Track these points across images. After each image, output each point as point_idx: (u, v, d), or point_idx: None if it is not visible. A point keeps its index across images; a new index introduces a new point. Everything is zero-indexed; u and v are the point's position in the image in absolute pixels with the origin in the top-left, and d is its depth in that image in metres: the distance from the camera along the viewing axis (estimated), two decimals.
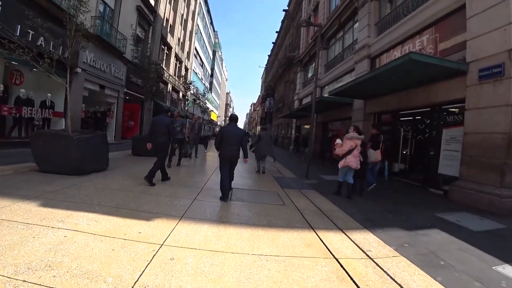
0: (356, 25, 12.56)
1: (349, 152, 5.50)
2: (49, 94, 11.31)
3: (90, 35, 12.55)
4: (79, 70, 11.84)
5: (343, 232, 3.49)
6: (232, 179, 5.05)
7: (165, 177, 5.78)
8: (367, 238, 3.34)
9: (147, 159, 8.93)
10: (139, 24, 18.65)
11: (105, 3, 14.14)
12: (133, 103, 19.72)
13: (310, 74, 20.18)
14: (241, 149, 4.91)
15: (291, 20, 29.89)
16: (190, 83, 19.32)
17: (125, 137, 17.29)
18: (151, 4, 19.90)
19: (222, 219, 3.73)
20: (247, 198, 4.96)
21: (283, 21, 36.49)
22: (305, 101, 20.12)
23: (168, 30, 25.04)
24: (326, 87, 15.97)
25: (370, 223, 4.03)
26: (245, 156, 5.12)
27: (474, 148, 5.57)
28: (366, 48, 10.59)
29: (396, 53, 9.05)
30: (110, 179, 5.40)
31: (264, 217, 3.90)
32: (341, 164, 5.65)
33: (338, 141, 5.89)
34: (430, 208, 5.23)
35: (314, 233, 3.40)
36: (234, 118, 5.16)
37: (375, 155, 6.34)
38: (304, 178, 8.00)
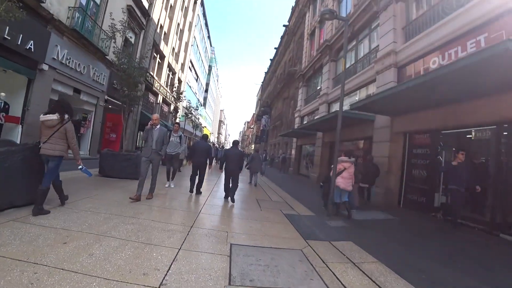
0: (375, 32, 11.01)
1: (338, 174, 5.98)
2: (2, 94, 9.10)
3: (63, 27, 10.78)
4: (45, 67, 9.72)
5: None
6: (236, 187, 6.53)
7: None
8: None
9: (116, 182, 6.75)
10: (129, 25, 16.91)
11: None
12: (117, 113, 17.46)
13: (313, 90, 18.54)
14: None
15: (292, 35, 28.82)
16: (181, 93, 17.35)
17: None
18: (144, 6, 18.29)
19: None
20: (259, 276, 2.63)
21: (282, 37, 35.61)
22: (307, 119, 18.34)
23: (162, 38, 23.41)
24: (334, 103, 14.22)
25: None
26: (240, 168, 6.61)
27: None
28: (392, 56, 8.89)
29: (436, 59, 7.31)
30: (26, 227, 3.16)
31: None
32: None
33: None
34: None
35: None
36: (235, 143, 7.01)
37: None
38: (325, 216, 5.89)
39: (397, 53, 8.86)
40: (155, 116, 5.40)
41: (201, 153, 6.54)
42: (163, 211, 4.78)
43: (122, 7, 14.87)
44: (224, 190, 6.66)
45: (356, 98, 12.10)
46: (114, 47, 9.13)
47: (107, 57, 13.48)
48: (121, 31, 9.08)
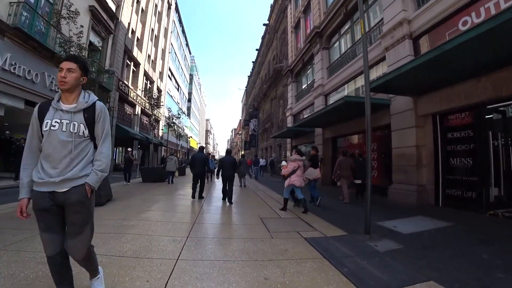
0: (376, 5, 9.60)
1: (293, 172, 6.04)
2: None
3: (3, 26, 8.70)
4: None
5: None
6: (231, 193, 7.03)
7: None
8: None
9: None
10: (93, 29, 14.97)
11: None
12: None
13: (304, 85, 17.04)
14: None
15: (274, 33, 27.49)
16: (158, 99, 15.43)
17: None
18: (110, 8, 16.40)
19: None
20: None
21: (263, 37, 34.32)
22: (303, 115, 16.77)
23: (135, 44, 21.51)
24: (332, 95, 12.70)
25: None
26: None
27: None
28: (405, 25, 7.42)
29: (467, 19, 5.84)
30: None
31: None
32: (286, 183, 6.17)
33: (284, 163, 6.48)
34: None
35: None
36: (228, 152, 8.01)
37: (315, 173, 6.79)
38: (363, 233, 4.17)
39: (410, 22, 7.39)
40: None
41: (199, 164, 7.39)
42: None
43: (84, 7, 12.98)
44: (222, 193, 7.40)
45: (358, 86, 10.61)
46: (59, 37, 7.19)
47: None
48: (67, 17, 7.13)
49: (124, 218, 4.63)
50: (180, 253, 3.08)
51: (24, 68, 9.66)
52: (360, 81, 10.40)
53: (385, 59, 8.37)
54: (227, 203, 6.88)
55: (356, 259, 3.19)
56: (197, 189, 7.43)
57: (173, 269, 2.61)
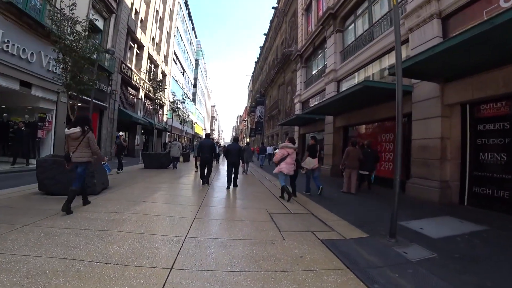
0: None
1: (282, 159, 6.00)
2: None
3: None
4: None
5: None
6: (237, 177, 7.61)
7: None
8: None
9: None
10: (94, 8, 14.24)
11: None
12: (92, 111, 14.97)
13: (314, 70, 16.20)
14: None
15: (283, 16, 26.32)
16: (161, 82, 14.75)
17: None
18: None
19: None
20: None
21: (272, 21, 33.05)
22: (311, 102, 16.03)
23: (139, 25, 20.69)
24: (345, 81, 11.94)
25: None
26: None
27: None
28: (434, 3, 6.61)
29: None
30: None
31: None
32: (276, 170, 6.18)
33: (276, 150, 6.90)
34: None
35: None
36: (235, 139, 8.97)
37: (313, 163, 6.84)
38: (387, 236, 3.63)
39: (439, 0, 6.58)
40: None
41: (207, 150, 7.62)
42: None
43: None
44: (227, 180, 7.45)
45: (375, 71, 9.84)
46: (49, 9, 6.56)
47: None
48: None
49: (116, 210, 4.15)
50: (176, 259, 2.58)
51: (18, 47, 9.11)
52: (378, 66, 9.63)
53: (408, 42, 7.58)
54: (232, 187, 7.35)
55: (386, 271, 2.66)
56: (205, 173, 7.78)
57: (164, 284, 2.10)
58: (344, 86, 11.89)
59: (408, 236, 3.76)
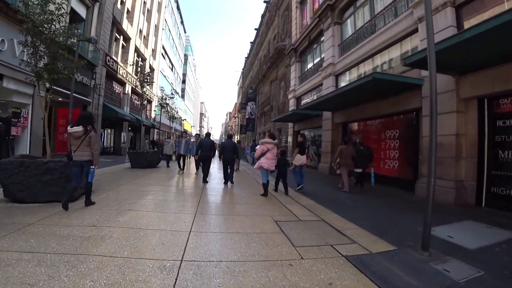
0: None
1: (263, 154, 6.02)
2: None
3: None
4: None
5: None
6: (233, 172, 7.74)
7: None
8: None
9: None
10: None
11: None
12: (74, 107, 13.89)
13: (310, 64, 15.65)
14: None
15: (275, 10, 25.62)
16: (148, 75, 13.84)
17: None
18: None
19: None
20: None
21: (263, 15, 32.28)
22: (306, 98, 15.49)
23: (125, 16, 19.60)
24: (344, 75, 11.42)
25: None
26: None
27: None
28: None
29: None
30: None
31: None
32: (256, 165, 6.27)
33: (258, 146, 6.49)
34: None
35: None
36: (230, 136, 9.15)
37: (301, 159, 6.97)
38: (419, 249, 3.10)
39: None
40: None
41: (207, 148, 7.77)
42: None
43: None
44: (224, 177, 7.63)
45: (377, 64, 9.35)
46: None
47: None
48: None
49: (94, 223, 3.43)
50: None
51: None
52: (380, 60, 9.14)
53: (417, 32, 7.10)
54: (229, 185, 7.41)
55: None
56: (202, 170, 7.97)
57: None
58: (343, 80, 11.39)
59: (440, 248, 3.25)
